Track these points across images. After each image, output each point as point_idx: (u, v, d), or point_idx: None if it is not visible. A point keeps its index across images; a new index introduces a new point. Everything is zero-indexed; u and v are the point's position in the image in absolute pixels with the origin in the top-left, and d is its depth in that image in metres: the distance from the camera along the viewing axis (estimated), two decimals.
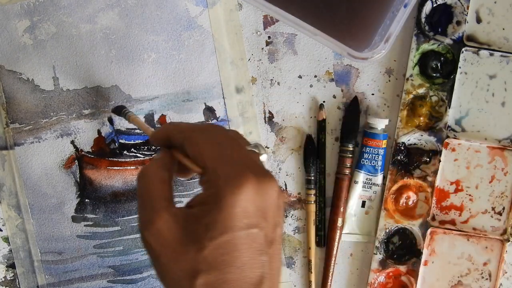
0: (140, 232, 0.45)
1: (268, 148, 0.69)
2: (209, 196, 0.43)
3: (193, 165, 0.46)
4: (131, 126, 0.68)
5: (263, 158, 0.48)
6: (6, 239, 0.69)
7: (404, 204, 0.69)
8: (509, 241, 0.68)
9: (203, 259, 0.42)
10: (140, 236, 0.44)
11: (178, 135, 0.47)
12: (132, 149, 0.68)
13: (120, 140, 0.68)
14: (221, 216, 0.42)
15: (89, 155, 0.68)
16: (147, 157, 0.68)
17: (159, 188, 0.45)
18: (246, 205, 0.42)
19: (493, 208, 0.69)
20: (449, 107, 0.67)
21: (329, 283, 0.69)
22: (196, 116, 0.68)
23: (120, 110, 0.65)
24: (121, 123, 0.68)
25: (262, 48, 0.68)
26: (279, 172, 0.69)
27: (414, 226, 0.68)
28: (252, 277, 0.42)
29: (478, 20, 0.67)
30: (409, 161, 0.68)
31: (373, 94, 0.69)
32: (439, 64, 0.67)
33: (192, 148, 0.45)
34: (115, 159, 0.68)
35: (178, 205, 0.68)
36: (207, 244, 0.42)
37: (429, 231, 0.68)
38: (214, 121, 0.68)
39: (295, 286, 0.70)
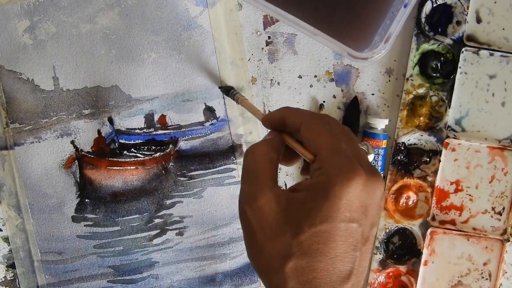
0: (240, 206, 0.45)
1: None
2: (318, 183, 0.43)
3: (305, 151, 0.46)
4: (131, 126, 0.68)
5: (370, 158, 0.48)
6: (6, 239, 0.69)
7: (404, 204, 0.69)
8: (509, 241, 0.68)
9: (298, 243, 0.42)
10: (239, 211, 0.45)
11: (296, 119, 0.47)
12: (132, 149, 0.68)
13: (120, 140, 0.68)
14: (326, 205, 0.42)
15: (89, 155, 0.68)
16: (147, 157, 0.68)
17: (267, 167, 0.46)
18: (352, 198, 0.43)
19: (493, 208, 0.69)
20: (449, 107, 0.67)
21: None
22: (196, 116, 0.68)
23: (228, 91, 0.65)
24: (121, 123, 0.68)
25: (262, 48, 0.68)
26: (279, 172, 0.69)
27: (414, 226, 0.68)
28: (342, 270, 0.43)
29: (478, 20, 0.67)
30: (409, 161, 0.68)
31: (373, 94, 0.69)
32: (439, 64, 0.67)
33: (309, 134, 0.46)
34: (115, 159, 0.68)
35: (178, 205, 0.68)
36: (306, 229, 0.42)
37: (429, 231, 0.68)
38: (214, 121, 0.68)
39: None
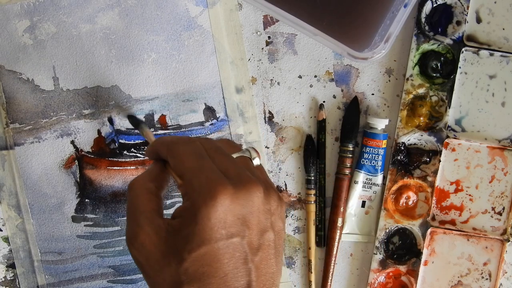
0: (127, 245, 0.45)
1: (268, 148, 0.69)
2: (186, 208, 0.43)
3: (176, 177, 0.46)
4: (131, 126, 0.68)
5: (255, 162, 0.48)
6: (6, 239, 0.69)
7: (404, 204, 0.69)
8: (509, 241, 0.68)
9: (184, 271, 0.42)
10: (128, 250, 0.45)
11: (162, 148, 0.47)
12: (132, 149, 0.68)
13: (120, 140, 0.68)
14: (197, 229, 0.42)
15: (89, 155, 0.68)
16: (147, 157, 0.68)
17: (145, 200, 0.45)
18: (223, 215, 0.42)
19: (493, 208, 0.69)
20: (449, 107, 0.67)
21: (329, 283, 0.69)
22: (196, 116, 0.68)
23: (137, 123, 0.65)
24: (121, 123, 0.68)
25: (262, 48, 0.68)
26: (279, 172, 0.69)
27: (414, 226, 0.68)
28: (237, 286, 0.42)
29: (478, 20, 0.67)
30: (409, 161, 0.68)
31: (373, 94, 0.69)
32: (439, 64, 0.67)
33: (173, 160, 0.46)
34: (115, 159, 0.68)
35: (178, 205, 0.68)
36: (186, 256, 0.42)
37: (429, 231, 0.68)
38: (214, 121, 0.68)
39: (295, 286, 0.70)
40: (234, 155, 0.48)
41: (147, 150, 0.50)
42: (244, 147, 0.49)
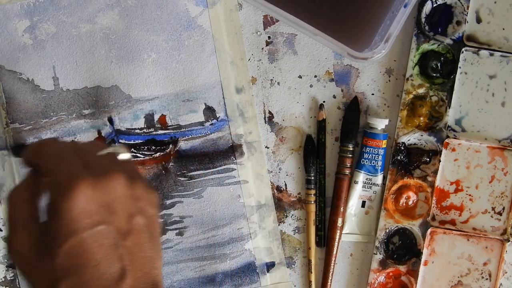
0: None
1: (268, 148, 0.69)
2: (49, 207, 0.44)
3: (44, 178, 0.47)
4: (131, 126, 0.68)
5: (122, 156, 0.49)
6: (6, 239, 0.69)
7: (404, 204, 0.69)
8: (509, 241, 0.68)
9: (59, 266, 0.43)
10: None
11: (30, 153, 0.48)
12: (132, 149, 0.68)
13: (120, 140, 0.68)
14: (61, 223, 0.43)
15: None
16: (147, 157, 0.68)
17: (20, 208, 0.46)
18: (85, 204, 0.43)
19: (493, 208, 0.69)
20: (449, 107, 0.67)
21: (329, 283, 0.69)
22: (196, 116, 0.68)
23: (18, 149, 0.64)
24: (121, 123, 0.68)
25: (262, 48, 0.68)
26: (279, 172, 0.69)
27: (414, 226, 0.68)
28: (112, 273, 0.43)
29: (478, 20, 0.67)
30: (409, 161, 0.68)
31: (373, 94, 0.69)
32: (439, 64, 0.67)
33: (40, 162, 0.46)
34: None
35: (178, 205, 0.68)
36: (57, 252, 0.43)
37: (429, 231, 0.68)
38: (214, 121, 0.68)
39: (295, 286, 0.70)
40: (99, 153, 0.49)
41: (22, 161, 0.51)
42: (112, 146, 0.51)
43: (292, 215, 0.69)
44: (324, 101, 0.69)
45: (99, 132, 0.68)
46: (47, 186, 0.45)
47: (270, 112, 0.69)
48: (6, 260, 0.69)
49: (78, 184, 0.43)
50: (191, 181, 0.69)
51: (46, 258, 0.44)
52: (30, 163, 0.48)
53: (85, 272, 0.43)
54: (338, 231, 0.69)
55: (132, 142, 0.68)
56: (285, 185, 0.69)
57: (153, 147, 0.68)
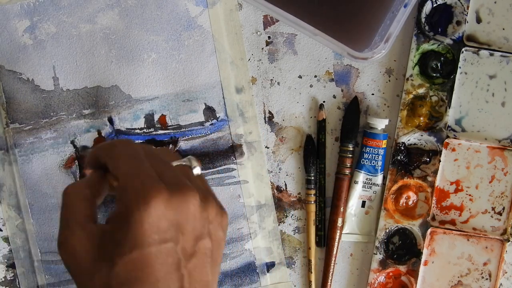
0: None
1: (268, 148, 0.69)
2: (120, 213, 0.43)
3: (113, 181, 0.46)
4: (131, 126, 0.68)
5: (196, 171, 0.47)
6: (6, 239, 0.69)
7: (404, 204, 0.69)
8: (509, 241, 0.68)
9: (115, 275, 0.41)
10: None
11: (100, 152, 0.46)
12: None
13: None
14: (130, 233, 0.41)
15: None
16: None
17: (79, 205, 0.45)
18: (157, 220, 0.42)
19: (493, 208, 0.69)
20: (449, 107, 0.67)
21: (329, 283, 0.69)
22: (196, 116, 0.68)
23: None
24: (121, 123, 0.68)
25: (262, 48, 0.68)
26: (279, 172, 0.69)
27: (414, 226, 0.68)
28: None
29: (478, 20, 0.67)
30: (409, 161, 0.68)
31: (373, 94, 0.69)
32: (439, 64, 0.67)
33: (110, 162, 0.45)
34: None
35: None
36: (117, 260, 0.41)
37: (429, 231, 0.68)
38: (214, 121, 0.68)
39: (295, 286, 0.70)
40: (174, 163, 0.47)
41: (87, 158, 0.49)
42: (185, 157, 0.49)
43: (292, 215, 0.69)
44: (324, 101, 0.69)
45: (99, 132, 0.68)
46: (118, 191, 0.43)
47: (270, 112, 0.69)
48: (6, 260, 0.69)
49: (154, 196, 0.42)
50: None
51: (103, 264, 0.42)
52: (97, 162, 0.46)
53: (141, 286, 0.41)
54: (338, 231, 0.69)
55: None
56: (285, 185, 0.69)
57: (153, 147, 0.68)
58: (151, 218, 0.41)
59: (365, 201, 0.69)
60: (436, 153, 0.68)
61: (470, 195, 0.69)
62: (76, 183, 0.46)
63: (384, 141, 0.68)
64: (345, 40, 0.61)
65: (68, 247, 0.43)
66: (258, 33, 0.68)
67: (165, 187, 0.42)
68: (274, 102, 0.69)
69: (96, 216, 0.45)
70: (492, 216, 0.69)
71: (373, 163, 0.68)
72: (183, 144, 0.68)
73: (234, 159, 0.68)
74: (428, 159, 0.68)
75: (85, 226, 0.44)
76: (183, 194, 0.43)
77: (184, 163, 0.48)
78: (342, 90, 0.69)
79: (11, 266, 0.69)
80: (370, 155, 0.68)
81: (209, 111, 0.68)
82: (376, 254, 0.69)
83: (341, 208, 0.69)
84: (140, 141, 0.68)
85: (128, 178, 0.43)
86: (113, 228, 0.43)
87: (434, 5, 0.67)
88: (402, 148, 0.68)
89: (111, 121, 0.68)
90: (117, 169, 0.44)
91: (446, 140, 0.68)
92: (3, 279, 0.69)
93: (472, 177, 0.69)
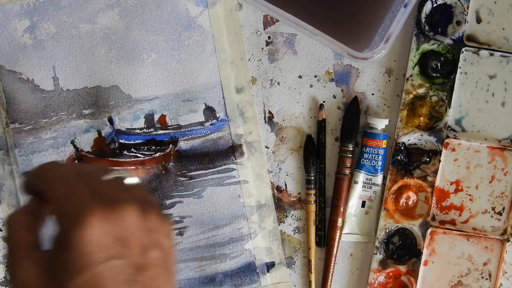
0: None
1: (268, 148, 0.69)
2: (59, 237, 0.42)
3: (48, 205, 0.45)
4: (131, 126, 0.68)
5: (130, 181, 0.47)
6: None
7: (404, 204, 0.69)
8: (509, 241, 0.68)
9: None
10: None
11: (34, 178, 0.46)
12: (132, 149, 0.68)
13: (120, 140, 0.68)
14: (73, 255, 0.41)
15: (89, 155, 0.68)
16: (147, 157, 0.68)
17: (22, 235, 0.44)
18: (97, 238, 0.41)
19: (493, 208, 0.69)
20: (449, 107, 0.67)
21: (329, 283, 0.69)
22: (196, 116, 0.68)
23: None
24: (121, 123, 0.68)
25: (262, 48, 0.68)
26: (279, 172, 0.69)
27: (414, 226, 0.68)
28: None
29: (478, 20, 0.67)
30: (409, 161, 0.68)
31: (373, 94, 0.69)
32: (439, 64, 0.67)
33: (44, 188, 0.44)
34: (115, 159, 0.68)
35: (178, 205, 0.68)
36: (68, 285, 0.40)
37: (429, 231, 0.68)
38: (214, 121, 0.68)
39: (295, 286, 0.70)
40: (105, 177, 0.46)
41: (21, 186, 0.48)
42: (117, 169, 0.48)
43: (292, 215, 0.69)
44: (324, 101, 0.69)
45: (99, 132, 0.68)
46: (54, 215, 0.43)
47: (270, 112, 0.69)
48: (6, 260, 0.69)
49: (88, 214, 0.41)
50: (191, 181, 0.69)
51: None
52: (32, 189, 0.46)
53: None
54: (338, 231, 0.69)
55: (132, 142, 0.68)
56: (285, 185, 0.69)
57: (153, 147, 0.68)
58: (91, 237, 0.41)
59: (365, 201, 0.69)
60: (436, 153, 0.68)
61: (470, 195, 0.69)
62: (16, 211, 0.46)
63: (384, 141, 0.68)
64: (345, 40, 0.61)
65: (17, 278, 0.43)
66: (258, 33, 0.68)
67: (99, 204, 0.42)
68: (274, 102, 0.69)
69: (40, 241, 0.45)
70: (492, 216, 0.69)
71: (373, 163, 0.68)
72: (183, 144, 0.68)
73: (234, 159, 0.68)
74: (428, 159, 0.68)
75: (30, 254, 0.43)
76: (119, 208, 0.42)
77: (118, 175, 0.47)
78: (342, 90, 0.69)
79: None
80: (370, 155, 0.68)
81: (209, 111, 0.68)
82: (376, 254, 0.69)
83: (341, 208, 0.69)
84: (140, 141, 0.68)
85: (61, 200, 0.43)
86: (57, 253, 0.42)
87: (434, 5, 0.67)
88: (402, 148, 0.68)
89: (111, 121, 0.68)
90: (50, 193, 0.43)
91: (446, 140, 0.68)
92: (3, 279, 0.69)
93: (472, 177, 0.69)
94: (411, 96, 0.68)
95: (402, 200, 0.69)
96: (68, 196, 0.43)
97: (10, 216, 0.45)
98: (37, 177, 0.45)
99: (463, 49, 0.67)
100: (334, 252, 0.69)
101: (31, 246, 0.44)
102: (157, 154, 0.68)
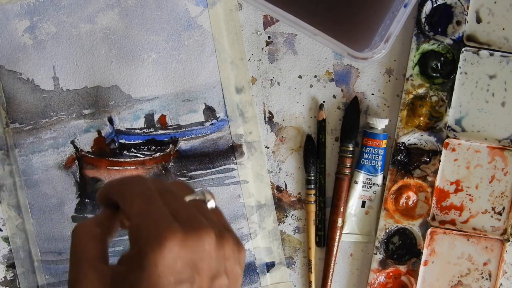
0: None
1: (268, 148, 0.69)
2: (133, 255, 0.42)
3: (125, 220, 0.45)
4: (131, 126, 0.68)
5: (210, 204, 0.46)
6: (6, 239, 0.69)
7: (404, 204, 0.69)
8: (509, 241, 0.68)
9: None
10: None
11: (111, 190, 0.45)
12: (132, 149, 0.68)
13: (120, 140, 0.68)
14: (144, 276, 0.40)
15: (89, 155, 0.68)
16: (147, 157, 0.68)
17: (90, 245, 0.44)
18: (172, 261, 0.41)
19: (493, 208, 0.69)
20: (449, 107, 0.67)
21: (329, 283, 0.69)
22: (196, 116, 0.68)
23: None
24: (121, 123, 0.68)
25: (262, 48, 0.68)
26: (279, 172, 0.69)
27: (414, 226, 0.68)
28: None
29: (478, 20, 0.67)
30: (409, 161, 0.68)
31: (373, 94, 0.69)
32: (439, 64, 0.67)
33: (122, 201, 0.44)
34: (115, 159, 0.68)
35: None
36: None
37: (429, 231, 0.68)
38: (214, 121, 0.68)
39: (295, 286, 0.70)
40: (187, 198, 0.46)
41: (97, 194, 0.47)
42: (198, 190, 0.47)
43: (292, 215, 0.69)
44: (324, 101, 0.69)
45: (99, 132, 0.68)
46: (130, 231, 0.42)
47: (270, 112, 0.69)
48: (6, 260, 0.69)
49: (168, 237, 0.40)
50: (191, 181, 0.69)
51: None
52: (108, 199, 0.45)
53: None
54: (338, 231, 0.69)
55: (132, 142, 0.68)
56: (285, 185, 0.69)
57: (153, 147, 0.68)
58: (166, 260, 0.40)
59: (365, 201, 0.69)
60: (436, 153, 0.68)
61: (470, 195, 0.69)
62: (86, 222, 0.45)
63: (384, 141, 0.68)
64: (345, 40, 0.61)
65: None
66: (258, 33, 0.68)
67: (179, 227, 0.41)
68: (274, 102, 0.69)
69: (107, 256, 0.44)
70: (492, 216, 0.69)
71: (373, 163, 0.68)
72: (183, 144, 0.68)
73: (234, 159, 0.68)
74: (428, 159, 0.68)
75: (96, 267, 0.42)
76: (198, 233, 0.42)
77: (198, 197, 0.46)
78: (342, 90, 0.69)
79: (11, 266, 0.69)
80: (370, 155, 0.68)
81: (209, 111, 0.68)
82: (376, 254, 0.69)
83: (341, 208, 0.69)
84: (140, 141, 0.68)
85: (141, 218, 0.42)
86: (127, 270, 0.41)
87: (434, 5, 0.67)
88: (402, 148, 0.68)
89: (111, 121, 0.68)
90: (129, 208, 0.43)
91: (446, 140, 0.68)
92: (3, 279, 0.69)
93: (472, 177, 0.69)
94: (411, 96, 0.68)
95: (402, 200, 0.69)
96: (149, 214, 0.42)
97: (79, 225, 0.44)
98: (116, 189, 0.44)
99: (463, 49, 0.67)
100: (334, 252, 0.69)
101: (98, 258, 0.43)
102: (157, 154, 0.68)
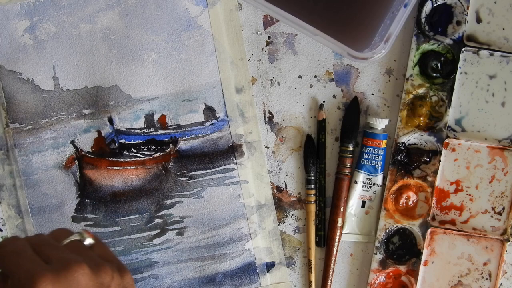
0: None
1: (268, 148, 0.69)
2: None
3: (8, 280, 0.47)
4: (131, 126, 0.68)
5: (88, 241, 0.49)
6: None
7: (404, 204, 0.69)
8: (509, 241, 0.68)
9: None
10: None
11: None
12: (132, 149, 0.68)
13: (120, 140, 0.68)
14: None
15: (89, 155, 0.68)
16: (147, 157, 0.68)
17: None
18: None
19: (493, 208, 0.69)
20: (449, 107, 0.67)
21: (329, 283, 0.69)
22: (196, 116, 0.68)
23: None
24: (121, 123, 0.68)
25: (262, 48, 0.68)
26: (279, 172, 0.69)
27: (414, 226, 0.68)
28: None
29: (478, 20, 0.67)
30: (409, 161, 0.68)
31: (373, 94, 0.69)
32: (439, 64, 0.67)
33: (1, 263, 0.46)
34: (115, 159, 0.68)
35: (178, 205, 0.68)
36: None
37: (429, 231, 0.68)
38: (214, 121, 0.68)
39: (295, 286, 0.70)
40: (64, 242, 0.48)
41: None
42: (76, 232, 0.51)
43: (292, 215, 0.69)
44: (324, 101, 0.69)
45: (99, 132, 0.68)
46: (11, 284, 0.45)
47: (270, 112, 0.69)
48: None
49: (39, 281, 0.43)
50: (191, 181, 0.69)
51: None
52: None
53: None
54: (338, 231, 0.69)
55: (132, 142, 0.68)
56: (285, 185, 0.69)
57: (153, 147, 0.68)
58: None
59: (365, 201, 0.69)
60: (436, 153, 0.68)
61: (470, 195, 0.69)
62: None
63: (384, 141, 0.68)
64: (345, 40, 0.61)
65: None
66: (258, 33, 0.68)
67: (50, 269, 0.44)
68: (274, 102, 0.69)
69: None
70: (492, 216, 0.69)
71: (373, 163, 0.68)
72: (183, 144, 0.68)
73: (234, 159, 0.68)
74: (428, 159, 0.68)
75: None
76: (69, 270, 0.44)
77: (75, 238, 0.49)
78: (342, 90, 0.69)
79: None
80: (370, 155, 0.68)
81: (209, 111, 0.68)
82: (376, 254, 0.69)
83: (341, 208, 0.69)
84: (140, 141, 0.68)
85: (15, 273, 0.44)
86: None
87: (434, 5, 0.67)
88: (402, 148, 0.68)
89: (111, 121, 0.68)
90: (7, 268, 0.45)
91: (446, 140, 0.68)
92: None
93: (472, 177, 0.69)
94: (411, 96, 0.68)
95: (402, 200, 0.69)
96: (21, 265, 0.44)
97: None
98: None
99: (463, 49, 0.67)
100: (334, 252, 0.69)
101: None
102: (157, 154, 0.68)
